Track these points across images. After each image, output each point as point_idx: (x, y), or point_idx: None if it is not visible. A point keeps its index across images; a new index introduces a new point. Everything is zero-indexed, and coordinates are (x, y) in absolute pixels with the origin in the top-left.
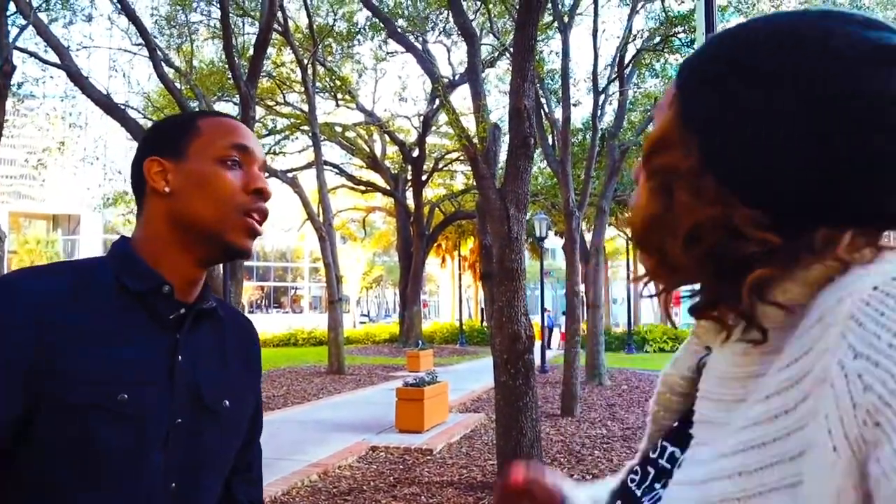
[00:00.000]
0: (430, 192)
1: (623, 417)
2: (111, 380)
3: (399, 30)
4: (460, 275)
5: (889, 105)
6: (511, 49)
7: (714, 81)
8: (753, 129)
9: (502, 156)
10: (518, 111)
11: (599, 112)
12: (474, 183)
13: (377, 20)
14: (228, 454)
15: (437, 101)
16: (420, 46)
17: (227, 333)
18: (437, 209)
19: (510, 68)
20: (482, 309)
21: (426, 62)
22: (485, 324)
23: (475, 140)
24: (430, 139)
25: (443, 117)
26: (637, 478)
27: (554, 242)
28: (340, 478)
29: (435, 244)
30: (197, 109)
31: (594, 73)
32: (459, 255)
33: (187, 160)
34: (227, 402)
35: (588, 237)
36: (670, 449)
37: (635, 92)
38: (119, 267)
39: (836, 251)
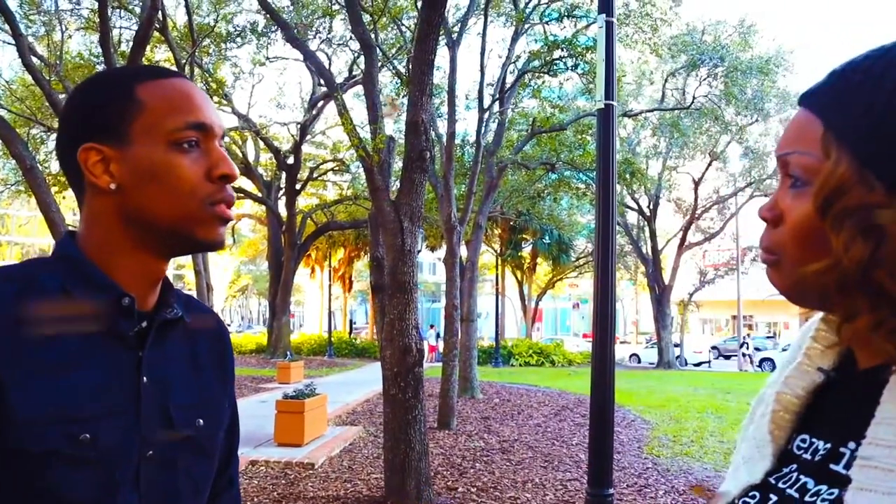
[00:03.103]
0: (302, 202)
1: (498, 430)
2: (69, 417)
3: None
4: (330, 286)
5: None
6: (395, 61)
7: (885, 114)
8: None
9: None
10: (415, 124)
11: (483, 129)
12: (347, 194)
13: (259, 24)
14: (208, 478)
15: (315, 110)
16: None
17: (196, 337)
18: (309, 219)
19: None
20: (351, 321)
21: (324, 69)
22: (353, 335)
23: (371, 151)
24: (306, 148)
25: (319, 126)
26: (753, 502)
27: (422, 257)
28: None
29: (305, 255)
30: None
31: (480, 90)
32: (330, 266)
33: (132, 145)
34: (202, 421)
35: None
36: (803, 479)
37: (513, 111)
38: (67, 274)
39: None
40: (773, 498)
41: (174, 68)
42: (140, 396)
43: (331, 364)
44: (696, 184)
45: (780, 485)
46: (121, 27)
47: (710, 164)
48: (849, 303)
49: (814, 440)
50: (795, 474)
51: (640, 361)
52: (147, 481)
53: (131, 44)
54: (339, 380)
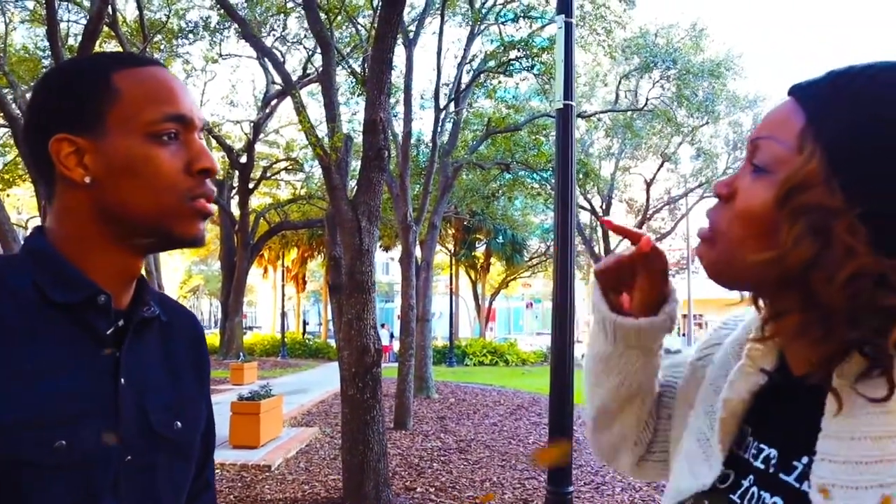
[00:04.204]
0: (255, 201)
1: (455, 430)
2: (42, 423)
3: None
4: (283, 286)
5: None
6: (351, 60)
7: (869, 130)
8: None
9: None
10: (373, 123)
11: (439, 129)
12: (301, 193)
13: (212, 20)
14: (186, 481)
15: (269, 108)
16: (255, 52)
17: (173, 336)
18: (262, 219)
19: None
20: (304, 321)
21: (281, 67)
22: (307, 336)
23: (328, 149)
24: (259, 147)
25: (272, 125)
26: None
27: (376, 256)
28: None
29: (258, 255)
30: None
31: (436, 90)
32: (283, 266)
33: (107, 136)
34: (180, 424)
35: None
36: (763, 494)
37: (469, 111)
38: (38, 271)
39: None
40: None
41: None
42: (118, 399)
43: (284, 365)
44: (648, 184)
45: (739, 500)
46: (69, 20)
47: (661, 165)
48: (781, 299)
49: (762, 446)
50: (756, 490)
51: None
52: (126, 487)
53: (80, 38)
54: (294, 380)
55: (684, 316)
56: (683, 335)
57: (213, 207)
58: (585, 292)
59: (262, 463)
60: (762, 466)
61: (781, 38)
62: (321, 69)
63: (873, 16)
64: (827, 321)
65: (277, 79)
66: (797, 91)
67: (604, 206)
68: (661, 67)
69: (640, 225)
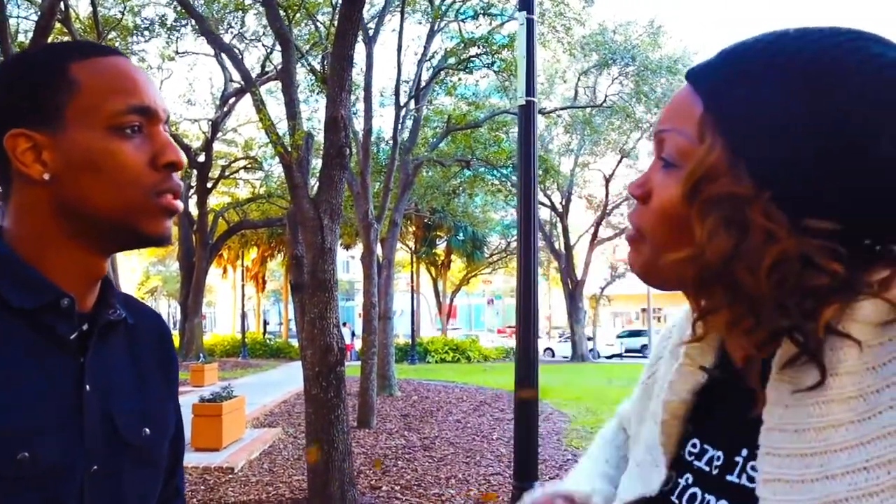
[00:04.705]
0: (213, 201)
1: (419, 428)
2: (4, 435)
3: (199, 30)
4: (243, 286)
5: None
6: (309, 57)
7: (766, 106)
8: (807, 148)
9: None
10: (335, 120)
11: (400, 126)
12: (260, 192)
13: (168, 17)
14: (154, 490)
15: (227, 106)
16: (213, 50)
17: (139, 339)
18: (220, 218)
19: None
20: (264, 321)
21: (240, 64)
22: (267, 336)
23: (290, 147)
24: (217, 146)
25: (231, 123)
26: None
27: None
28: None
29: (217, 254)
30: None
31: (396, 87)
32: (242, 265)
33: (66, 130)
34: (148, 430)
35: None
36: (707, 497)
37: (429, 108)
38: None
39: (888, 291)
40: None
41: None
42: (83, 406)
43: (245, 365)
44: (607, 180)
45: (677, 500)
46: (18, 16)
47: (620, 161)
48: (707, 296)
49: (706, 447)
50: (697, 490)
51: (554, 355)
52: (92, 497)
53: (31, 34)
54: (255, 381)
55: (643, 310)
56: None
57: (180, 204)
58: (545, 288)
59: (225, 465)
60: (706, 468)
61: (734, 35)
62: (281, 66)
63: (826, 13)
64: (756, 311)
65: (236, 76)
66: (692, 76)
67: (564, 203)
68: (619, 64)
69: (600, 221)
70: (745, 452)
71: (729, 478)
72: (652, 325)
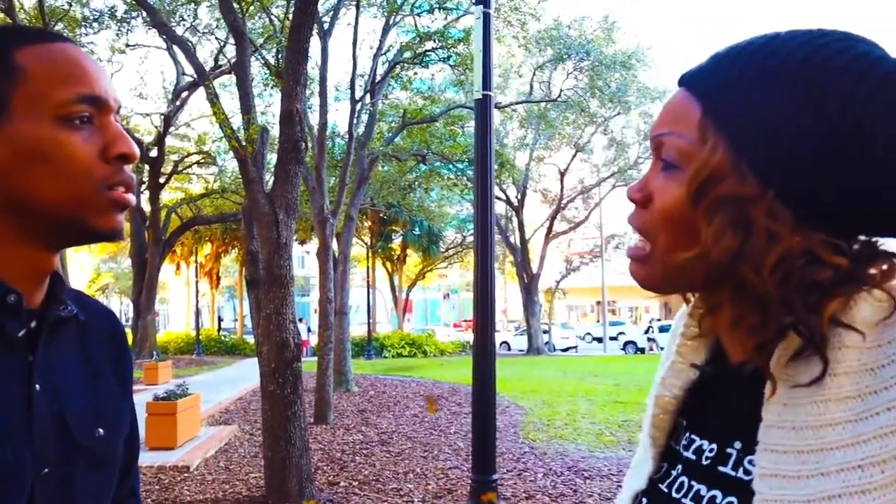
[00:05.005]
0: (166, 196)
1: (376, 423)
2: None
3: (153, 22)
4: (197, 282)
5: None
6: (263, 50)
7: (762, 107)
8: (802, 147)
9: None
10: (290, 114)
11: (355, 120)
12: (214, 187)
13: (118, 8)
14: (108, 492)
15: (180, 101)
16: (165, 42)
17: (92, 336)
18: (173, 214)
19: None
20: (219, 317)
21: (194, 57)
22: (222, 332)
23: (244, 141)
24: (169, 140)
25: (183, 117)
26: None
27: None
28: None
29: (170, 250)
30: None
31: (352, 81)
32: (196, 261)
33: (11, 120)
34: (101, 430)
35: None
36: (695, 486)
37: (384, 103)
38: None
39: (887, 284)
40: (665, 491)
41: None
42: (32, 406)
43: (200, 363)
44: (562, 174)
45: (674, 493)
46: None
47: (574, 155)
48: (714, 295)
49: (695, 438)
50: (685, 479)
51: (510, 349)
52: (43, 502)
53: None
54: (210, 378)
55: (598, 303)
56: (598, 322)
57: (132, 198)
58: (501, 282)
59: (181, 464)
60: (693, 457)
61: (688, 31)
62: (235, 60)
63: (779, 8)
64: (761, 308)
65: (189, 70)
66: (687, 81)
67: (519, 197)
68: (574, 59)
69: (554, 214)
70: (738, 445)
71: (722, 469)
72: (606, 318)
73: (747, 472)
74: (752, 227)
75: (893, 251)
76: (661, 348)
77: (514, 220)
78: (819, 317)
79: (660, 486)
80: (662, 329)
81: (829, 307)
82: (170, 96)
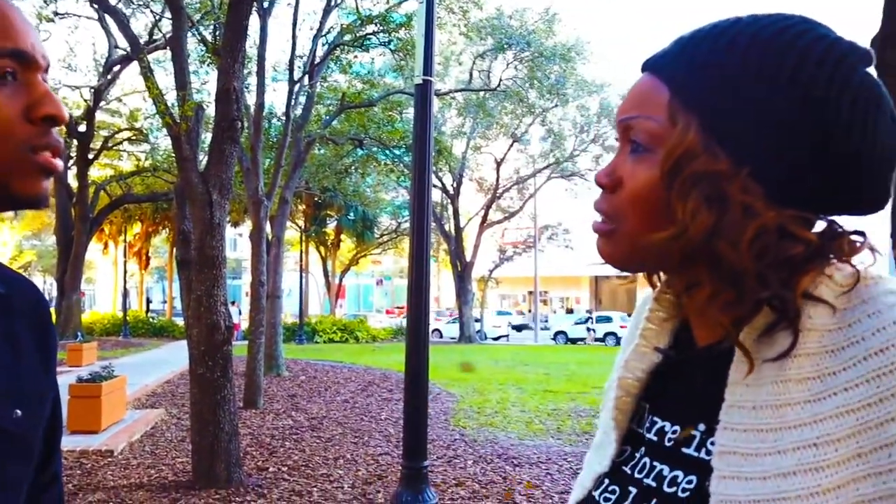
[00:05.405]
0: (94, 173)
1: (306, 408)
2: None
3: None
4: (125, 262)
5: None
6: (200, 26)
7: (731, 89)
8: (777, 125)
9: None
10: (227, 92)
11: (293, 102)
12: (145, 165)
13: None
14: (25, 477)
15: (111, 74)
16: (96, 13)
17: (13, 312)
18: (102, 191)
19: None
20: (147, 299)
21: (128, 29)
22: (150, 314)
23: (178, 118)
24: (99, 115)
25: (115, 92)
26: (613, 497)
27: None
28: None
29: (98, 229)
30: None
31: (291, 62)
32: (125, 241)
33: None
34: (20, 412)
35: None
36: (657, 466)
37: (323, 86)
38: None
39: (850, 258)
40: (633, 490)
41: None
42: None
43: (126, 344)
44: (498, 164)
45: (636, 474)
46: None
47: (511, 146)
48: (690, 273)
49: (657, 420)
50: (648, 460)
51: (441, 336)
52: None
53: None
54: (137, 361)
55: (530, 292)
56: (529, 311)
57: (60, 163)
58: (434, 270)
59: (104, 448)
60: (655, 439)
61: (626, 27)
62: (171, 34)
63: (717, 4)
64: (738, 285)
65: (122, 42)
66: (652, 65)
67: (455, 185)
68: (515, 49)
69: (490, 204)
70: (702, 427)
71: (686, 451)
72: (538, 307)
73: (709, 453)
74: (727, 203)
75: (853, 229)
76: (597, 340)
77: (450, 208)
78: (792, 291)
79: (623, 468)
80: (600, 319)
81: (802, 282)
82: (101, 69)
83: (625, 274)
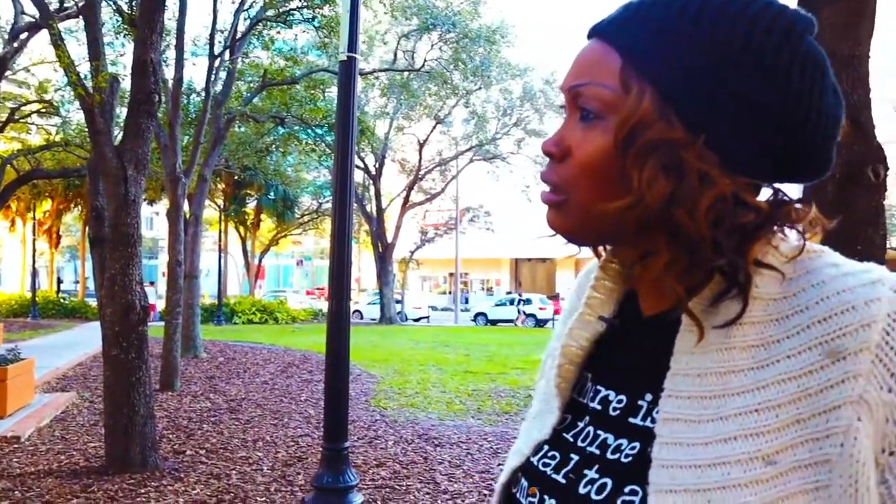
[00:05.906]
0: (0, 146)
1: (225, 390)
2: None
3: None
4: (34, 240)
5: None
6: None
7: (685, 55)
8: (730, 93)
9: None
10: (144, 64)
11: (213, 78)
12: (56, 139)
13: None
14: None
15: (18, 42)
16: None
17: None
18: (9, 166)
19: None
20: (58, 279)
21: None
22: (61, 295)
23: (92, 90)
24: (5, 86)
25: (22, 61)
26: (553, 463)
27: None
28: None
29: (4, 205)
30: None
31: (211, 36)
32: (34, 218)
33: None
34: None
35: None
36: (602, 434)
37: (244, 62)
38: None
39: (798, 228)
40: (575, 458)
41: None
42: None
43: (35, 326)
44: (421, 145)
45: (579, 442)
46: None
47: (434, 127)
48: (646, 241)
49: (601, 388)
50: (591, 429)
51: (362, 317)
52: None
53: None
54: (47, 343)
55: (451, 275)
56: (450, 293)
57: None
58: (356, 251)
59: (10, 434)
60: (599, 408)
61: (550, 11)
62: (84, 2)
63: None
64: (694, 252)
65: (30, 9)
66: (600, 31)
67: (377, 166)
68: (440, 30)
69: (412, 185)
70: (649, 397)
71: (632, 420)
72: (458, 289)
73: (654, 421)
74: (684, 170)
75: (797, 198)
76: (529, 319)
77: (372, 188)
78: (744, 258)
79: (564, 434)
80: (524, 301)
81: (754, 249)
82: (6, 36)
83: (545, 257)
